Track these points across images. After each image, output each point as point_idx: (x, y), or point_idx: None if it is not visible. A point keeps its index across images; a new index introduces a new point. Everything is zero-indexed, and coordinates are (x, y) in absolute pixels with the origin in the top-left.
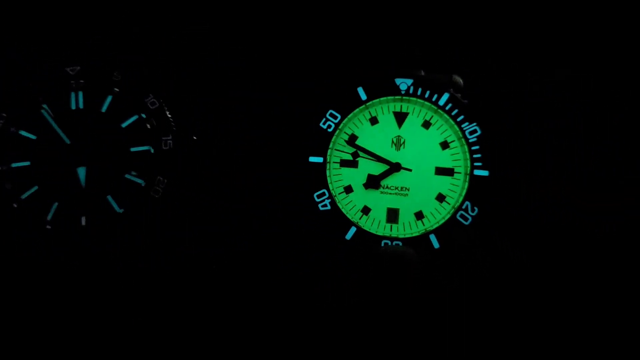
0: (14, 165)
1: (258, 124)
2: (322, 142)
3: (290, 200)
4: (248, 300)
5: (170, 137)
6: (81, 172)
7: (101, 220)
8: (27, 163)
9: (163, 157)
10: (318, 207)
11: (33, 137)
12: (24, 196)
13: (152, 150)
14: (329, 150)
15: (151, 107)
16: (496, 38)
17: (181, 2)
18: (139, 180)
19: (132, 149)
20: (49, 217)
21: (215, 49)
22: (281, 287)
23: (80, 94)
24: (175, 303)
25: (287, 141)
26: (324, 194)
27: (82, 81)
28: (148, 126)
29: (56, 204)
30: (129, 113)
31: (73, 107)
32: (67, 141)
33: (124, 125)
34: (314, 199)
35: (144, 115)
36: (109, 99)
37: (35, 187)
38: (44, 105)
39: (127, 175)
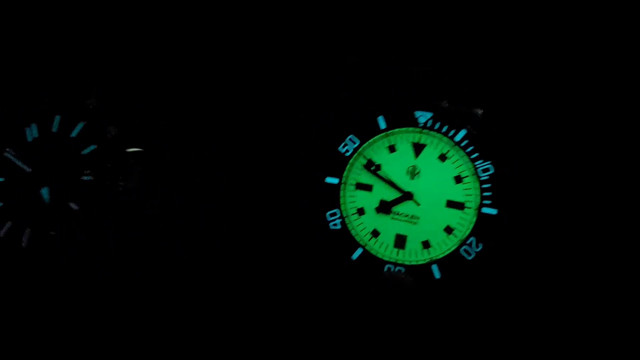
0: None
1: (282, 142)
2: (339, 165)
3: (303, 216)
4: (248, 307)
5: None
6: (44, 192)
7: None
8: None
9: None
10: (329, 226)
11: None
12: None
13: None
14: (345, 172)
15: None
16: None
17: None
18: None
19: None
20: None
21: (235, 65)
22: (282, 298)
23: (58, 118)
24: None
25: (306, 161)
26: (335, 213)
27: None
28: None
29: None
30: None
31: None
32: (28, 170)
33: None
34: (325, 217)
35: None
36: (80, 125)
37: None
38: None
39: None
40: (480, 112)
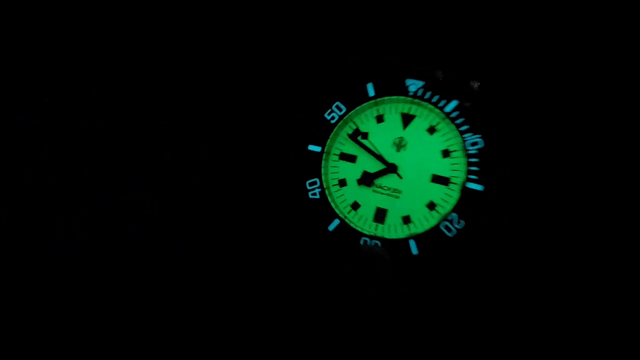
0: None
1: (265, 109)
2: (323, 133)
3: (282, 185)
4: (228, 280)
5: None
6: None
7: None
8: None
9: None
10: (308, 195)
11: None
12: None
13: None
14: (328, 141)
15: None
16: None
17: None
18: None
19: None
20: None
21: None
22: (261, 269)
23: None
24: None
25: (290, 127)
26: (315, 182)
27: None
28: None
29: None
30: None
31: None
32: None
33: None
34: (305, 186)
35: None
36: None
37: None
38: None
39: None
40: (475, 84)
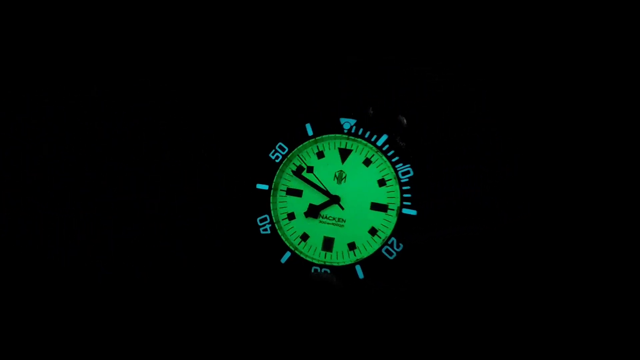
0: None
1: (211, 149)
2: (269, 171)
3: (234, 222)
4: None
5: None
6: None
7: None
8: None
9: None
10: (259, 231)
11: None
12: None
13: None
14: (275, 178)
15: None
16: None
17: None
18: None
19: None
20: None
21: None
22: (214, 304)
23: None
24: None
25: (237, 168)
26: (265, 219)
27: None
28: None
29: None
30: None
31: None
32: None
33: None
34: (256, 223)
35: None
36: None
37: None
38: None
39: None
40: (403, 120)
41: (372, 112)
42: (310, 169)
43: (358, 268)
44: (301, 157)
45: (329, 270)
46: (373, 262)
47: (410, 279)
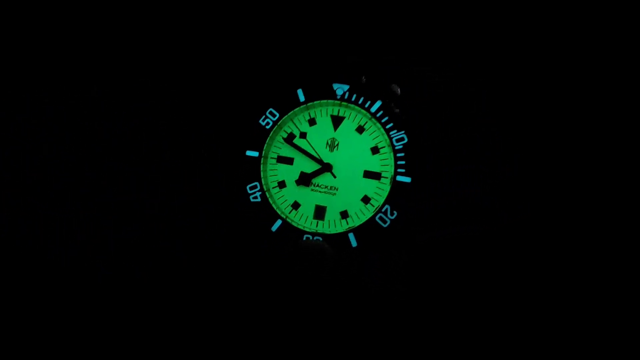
0: None
1: (202, 117)
2: (259, 138)
3: (224, 190)
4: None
5: None
6: None
7: None
8: None
9: None
10: (249, 199)
11: None
12: None
13: None
14: (265, 146)
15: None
16: (428, 51)
17: None
18: None
19: None
20: None
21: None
22: (204, 273)
23: None
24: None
25: (227, 135)
26: (255, 186)
27: None
28: None
29: None
30: None
31: None
32: None
33: None
34: (246, 190)
35: None
36: None
37: None
38: None
39: None
40: (396, 88)
41: (364, 79)
42: (303, 135)
43: (351, 236)
44: (293, 123)
45: (320, 239)
46: (366, 230)
47: (404, 247)
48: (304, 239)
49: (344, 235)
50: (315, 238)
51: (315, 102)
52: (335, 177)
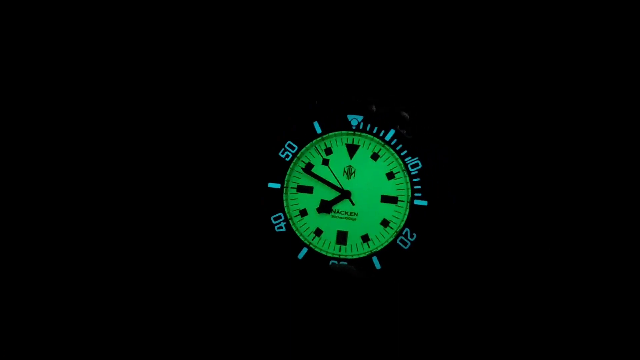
0: None
1: (225, 151)
2: (280, 170)
3: (249, 222)
4: (202, 314)
5: None
6: None
7: None
8: None
9: None
10: (274, 229)
11: None
12: None
13: None
14: (286, 176)
15: None
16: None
17: None
18: None
19: None
20: None
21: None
22: (235, 303)
23: None
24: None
25: (249, 168)
26: (280, 216)
27: None
28: None
29: None
30: None
31: None
32: None
33: None
34: (271, 221)
35: None
36: None
37: None
38: None
39: None
40: (406, 115)
41: (374, 108)
42: (326, 162)
43: (375, 259)
44: (311, 154)
45: (346, 263)
46: (388, 252)
47: (426, 267)
48: (330, 264)
49: (367, 259)
50: (340, 263)
51: (330, 133)
52: (353, 204)
